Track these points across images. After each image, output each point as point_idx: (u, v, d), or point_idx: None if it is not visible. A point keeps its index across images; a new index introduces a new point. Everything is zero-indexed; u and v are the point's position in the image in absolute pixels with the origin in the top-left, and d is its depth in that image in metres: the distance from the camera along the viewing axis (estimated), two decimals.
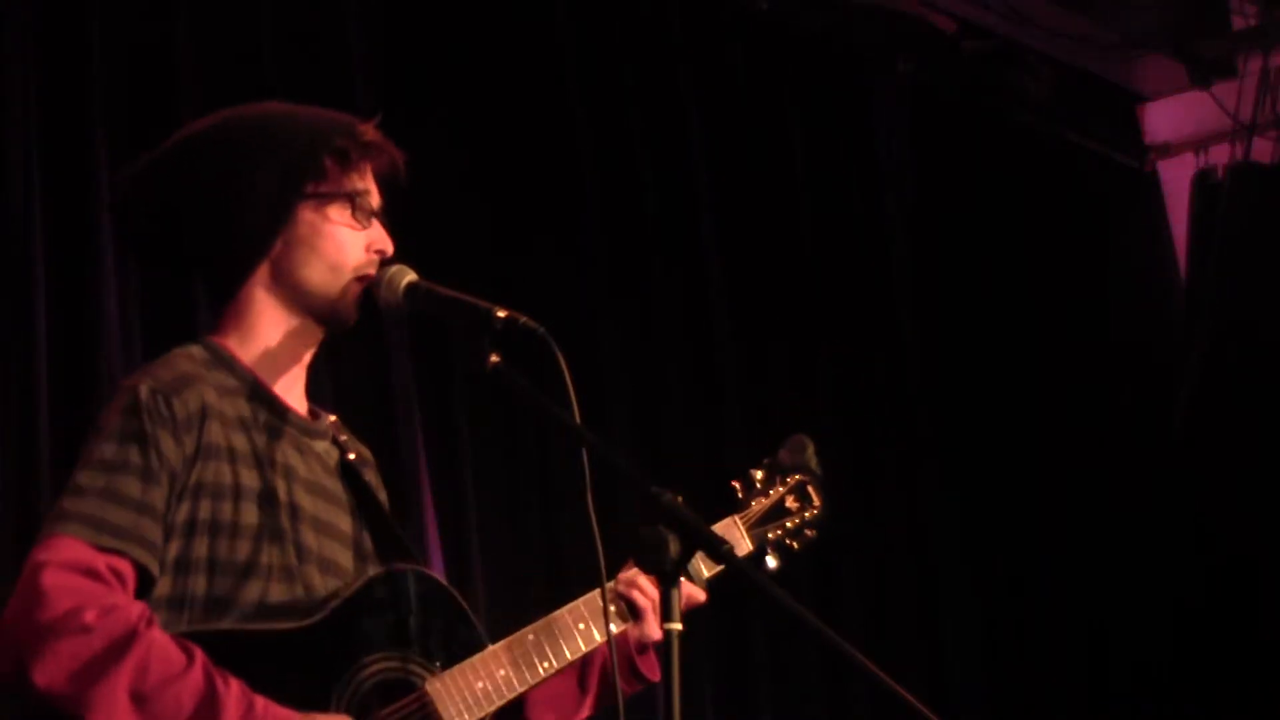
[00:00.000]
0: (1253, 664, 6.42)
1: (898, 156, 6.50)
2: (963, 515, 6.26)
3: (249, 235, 2.79)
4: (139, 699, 2.52)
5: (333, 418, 2.95)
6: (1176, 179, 7.25)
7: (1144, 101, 7.35)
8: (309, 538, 2.77)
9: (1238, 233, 6.80)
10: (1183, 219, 7.10)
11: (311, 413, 2.90)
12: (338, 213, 2.82)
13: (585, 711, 3.01)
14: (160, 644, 2.56)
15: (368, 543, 2.89)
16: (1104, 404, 6.76)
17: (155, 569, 2.63)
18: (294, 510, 2.77)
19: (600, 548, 2.66)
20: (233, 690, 2.55)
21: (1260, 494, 6.51)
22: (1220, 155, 7.04)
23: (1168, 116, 7.33)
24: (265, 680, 2.59)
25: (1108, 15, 6.63)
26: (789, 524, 3.24)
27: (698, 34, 5.89)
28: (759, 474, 3.25)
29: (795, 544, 3.25)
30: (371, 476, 2.97)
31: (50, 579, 2.54)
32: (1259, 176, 6.88)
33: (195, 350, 2.80)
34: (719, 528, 3.13)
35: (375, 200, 2.86)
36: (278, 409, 2.81)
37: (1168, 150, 7.33)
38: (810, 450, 3.28)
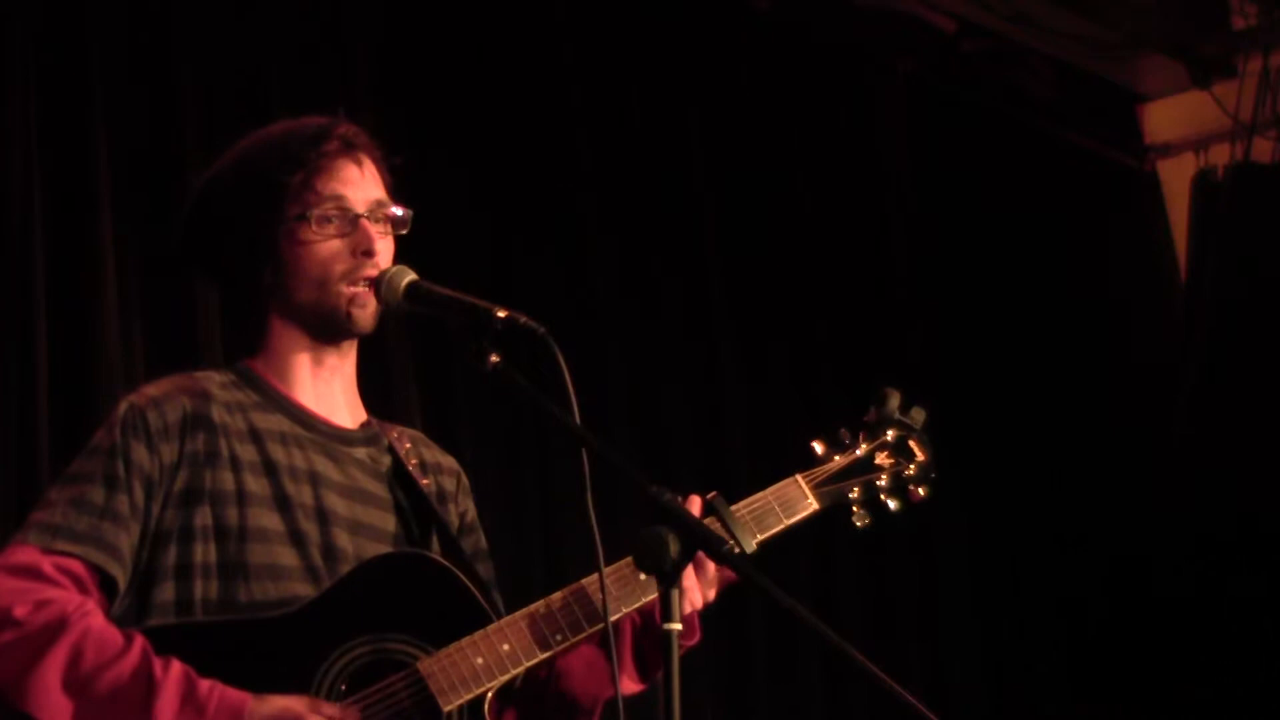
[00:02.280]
0: (1253, 664, 6.42)
1: (898, 156, 6.50)
2: (963, 515, 6.26)
3: (241, 275, 2.88)
4: (73, 684, 2.56)
5: (399, 430, 3.00)
6: (1176, 179, 7.24)
7: (1144, 101, 7.35)
8: (343, 539, 2.81)
9: (1238, 233, 6.80)
10: (1183, 219, 7.10)
11: (365, 423, 2.95)
12: (312, 231, 2.84)
13: (628, 685, 2.94)
14: (97, 630, 2.60)
15: (435, 544, 2.93)
16: (1104, 404, 6.76)
17: (115, 570, 2.68)
18: (323, 514, 2.81)
19: (600, 548, 2.66)
20: (173, 672, 2.58)
21: (1260, 494, 6.50)
22: (1220, 155, 7.04)
23: (1168, 116, 7.33)
24: (237, 667, 2.61)
25: (1108, 15, 6.63)
26: (878, 480, 3.06)
27: (698, 35, 5.89)
28: (845, 431, 3.10)
29: (893, 501, 3.07)
30: (448, 483, 3.03)
31: None
32: (1259, 176, 6.87)
33: (215, 373, 2.89)
34: (778, 488, 2.99)
35: (361, 200, 2.88)
36: (302, 419, 2.87)
37: (1168, 150, 7.33)
38: (895, 401, 3.12)
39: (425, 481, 2.96)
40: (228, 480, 2.76)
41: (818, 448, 3.08)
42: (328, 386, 2.91)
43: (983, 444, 6.36)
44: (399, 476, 2.95)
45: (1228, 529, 6.55)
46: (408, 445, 2.98)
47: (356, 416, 2.95)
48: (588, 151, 5.47)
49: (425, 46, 5.11)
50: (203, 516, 2.73)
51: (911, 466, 3.11)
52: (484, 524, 4.83)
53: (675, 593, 2.43)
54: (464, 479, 3.07)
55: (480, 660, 2.75)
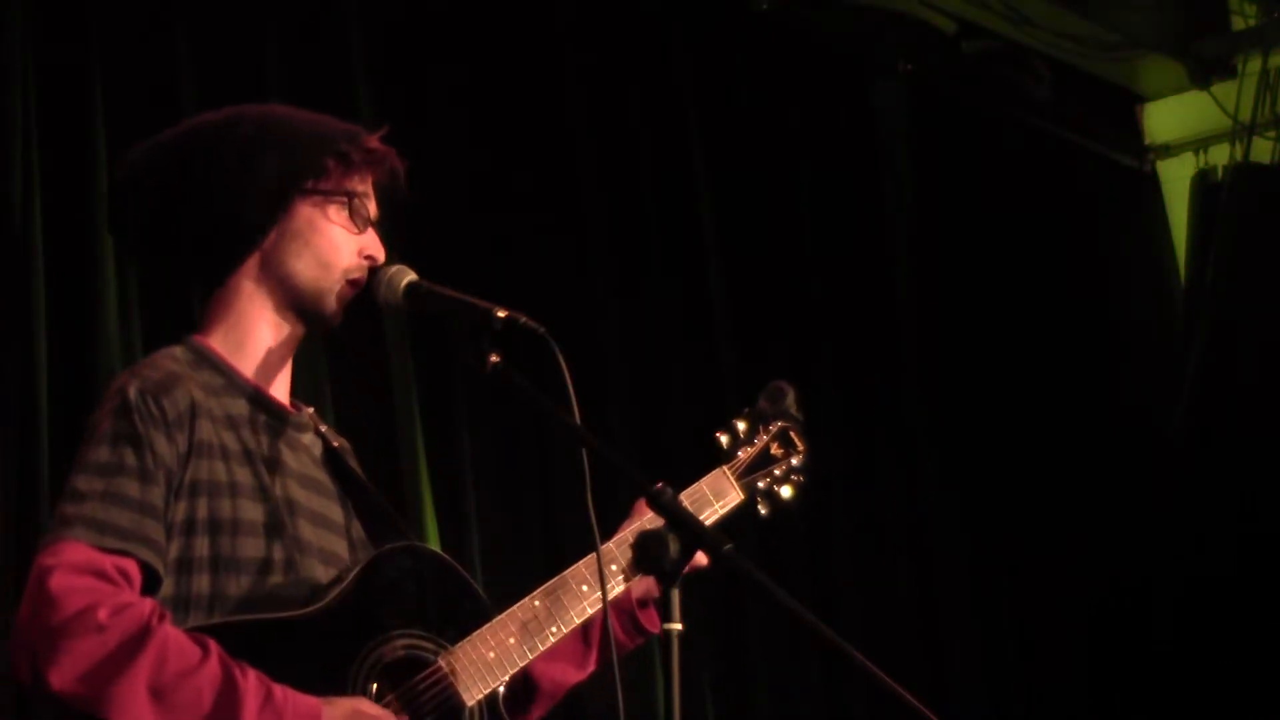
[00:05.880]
0: (1254, 663, 6.42)
1: (898, 157, 6.50)
2: (962, 515, 6.26)
3: (244, 223, 2.81)
4: (158, 693, 2.52)
5: (310, 409, 2.97)
6: (1176, 179, 7.25)
7: (1144, 101, 7.35)
8: (307, 531, 2.80)
9: (1238, 233, 6.80)
10: (1183, 219, 7.10)
11: (294, 406, 2.93)
12: (335, 213, 2.85)
13: (591, 666, 3.03)
14: (175, 638, 2.57)
15: (359, 530, 2.92)
16: (1104, 404, 6.76)
17: (160, 567, 2.65)
18: (290, 505, 2.79)
19: (600, 547, 2.67)
20: (250, 679, 2.57)
21: (1260, 493, 6.51)
22: (1220, 155, 7.04)
23: (1168, 116, 7.33)
24: (277, 667, 2.60)
25: (1108, 15, 6.63)
26: (776, 471, 3.21)
27: (698, 34, 5.89)
28: (741, 424, 3.21)
29: (783, 491, 3.22)
30: (353, 462, 3.00)
31: (58, 582, 2.55)
32: (1259, 176, 6.88)
33: (178, 351, 2.82)
34: (709, 479, 3.13)
35: (373, 208, 2.89)
36: (266, 405, 2.84)
37: (1168, 150, 7.33)
38: (790, 397, 3.25)
39: (353, 464, 2.96)
40: (220, 470, 2.73)
41: (723, 441, 3.20)
42: (281, 370, 2.88)
43: (982, 443, 6.36)
44: (332, 461, 2.93)
45: (1228, 529, 6.55)
46: (324, 427, 2.96)
47: (288, 400, 2.92)
48: (588, 151, 5.47)
49: (425, 46, 5.11)
50: (202, 509, 2.70)
51: (795, 458, 3.24)
52: (485, 524, 4.87)
53: (675, 592, 2.44)
54: (355, 456, 3.05)
55: (492, 655, 2.78)
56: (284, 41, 4.71)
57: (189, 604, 2.68)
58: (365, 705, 2.65)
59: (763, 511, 3.19)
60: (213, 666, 2.55)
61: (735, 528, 3.03)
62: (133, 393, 2.69)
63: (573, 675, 3.02)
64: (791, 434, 3.24)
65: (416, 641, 2.75)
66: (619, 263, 5.46)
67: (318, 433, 2.93)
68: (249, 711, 2.53)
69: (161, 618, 2.57)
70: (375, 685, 2.69)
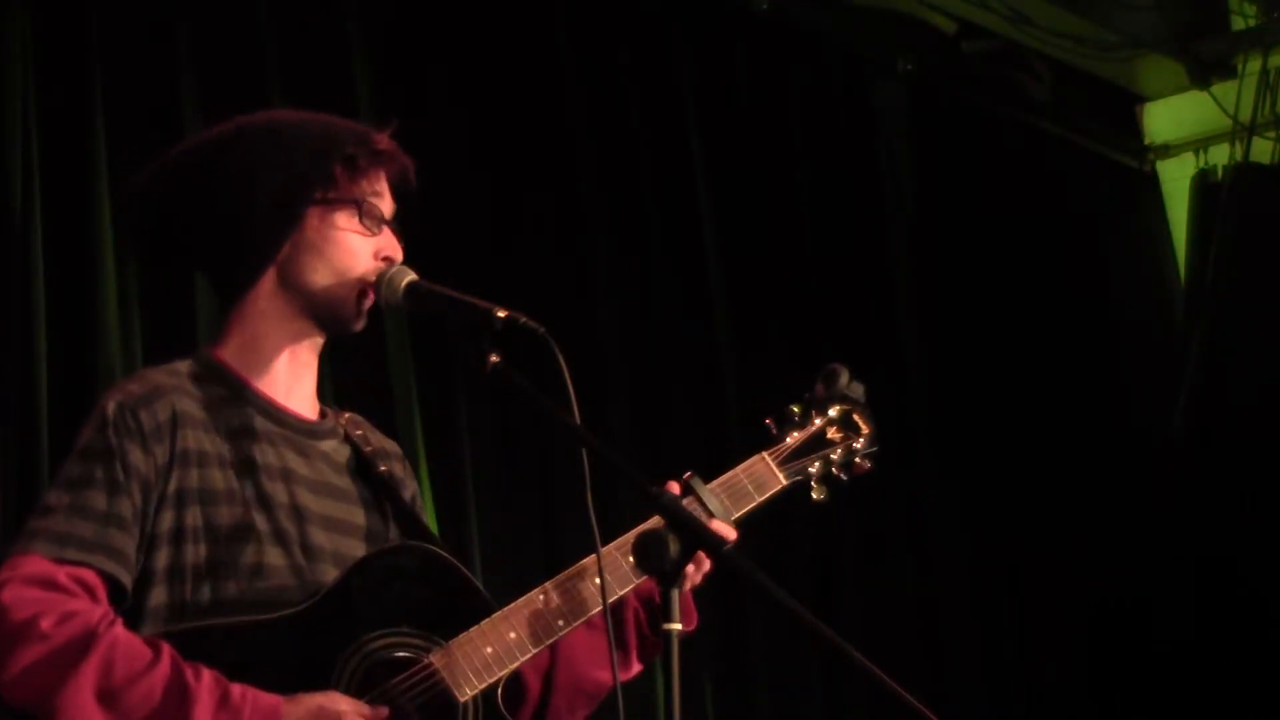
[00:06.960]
0: (1253, 663, 6.42)
1: (898, 156, 6.50)
2: (962, 515, 6.26)
3: (257, 240, 2.81)
4: (106, 697, 2.53)
5: (347, 415, 2.97)
6: (1176, 179, 7.25)
7: (1144, 101, 7.36)
8: (319, 537, 2.79)
9: (1237, 233, 6.80)
10: (1183, 219, 7.11)
11: (321, 413, 2.92)
12: (346, 219, 2.84)
13: (635, 665, 2.96)
14: (125, 642, 2.57)
15: (393, 533, 2.91)
16: (1103, 404, 6.77)
17: (124, 577, 2.65)
18: (298, 512, 2.79)
19: (600, 547, 2.67)
20: (204, 680, 2.56)
21: (1260, 494, 6.51)
22: (1220, 155, 7.05)
23: (1167, 116, 7.34)
24: (255, 669, 2.60)
25: (1108, 15, 6.63)
26: (833, 455, 3.09)
27: (698, 34, 5.89)
28: (795, 408, 3.11)
29: (844, 474, 3.11)
30: (397, 468, 2.99)
31: (8, 595, 2.57)
32: (1259, 176, 6.88)
33: (182, 365, 2.84)
34: (747, 466, 3.02)
35: (386, 207, 2.88)
36: (272, 414, 2.84)
37: (1167, 150, 7.34)
38: (845, 378, 3.15)
39: (383, 468, 2.95)
40: (216, 479, 2.74)
41: (772, 426, 3.11)
42: (298, 379, 2.88)
43: (981, 443, 6.36)
44: (359, 467, 2.92)
45: (1228, 529, 6.55)
46: (359, 432, 2.96)
47: (314, 407, 2.92)
48: (588, 151, 5.47)
49: (425, 46, 5.11)
50: (193, 517, 2.70)
51: (858, 440, 3.14)
52: (485, 524, 4.87)
53: (675, 593, 2.44)
54: (406, 461, 3.05)
55: (490, 650, 2.75)
56: (284, 41, 4.71)
57: (185, 610, 2.68)
58: (331, 701, 2.62)
59: (817, 496, 3.07)
60: (163, 668, 2.55)
61: (736, 528, 3.00)
62: (111, 407, 2.72)
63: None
64: (855, 416, 3.14)
65: (405, 640, 2.73)
66: (619, 262, 5.47)
67: (347, 439, 2.92)
68: (203, 710, 2.53)
69: (111, 623, 2.57)
70: (360, 684, 2.68)
